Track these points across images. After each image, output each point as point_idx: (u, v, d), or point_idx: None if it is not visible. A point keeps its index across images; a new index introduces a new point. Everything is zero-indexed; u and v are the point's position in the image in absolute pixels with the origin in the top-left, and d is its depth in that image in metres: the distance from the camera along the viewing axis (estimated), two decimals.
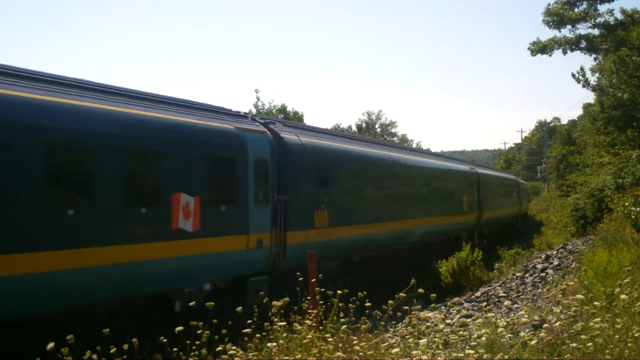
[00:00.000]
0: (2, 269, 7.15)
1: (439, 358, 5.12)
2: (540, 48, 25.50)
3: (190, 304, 6.02)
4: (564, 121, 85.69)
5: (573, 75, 28.53)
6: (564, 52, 25.21)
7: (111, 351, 5.03)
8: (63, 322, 7.98)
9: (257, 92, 39.43)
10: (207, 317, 5.38)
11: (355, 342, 5.45)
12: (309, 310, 6.26)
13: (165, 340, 5.30)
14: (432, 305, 6.21)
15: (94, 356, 4.95)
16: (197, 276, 10.12)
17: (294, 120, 35.83)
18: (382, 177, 17.92)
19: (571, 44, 25.08)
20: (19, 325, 7.83)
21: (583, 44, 25.03)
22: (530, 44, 25.86)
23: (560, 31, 25.03)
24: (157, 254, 9.14)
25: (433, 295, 6.18)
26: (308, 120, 49.45)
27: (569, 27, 24.78)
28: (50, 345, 4.64)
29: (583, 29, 24.88)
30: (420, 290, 6.22)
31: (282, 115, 38.00)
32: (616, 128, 27.62)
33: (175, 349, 5.27)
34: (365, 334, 5.77)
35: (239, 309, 6.05)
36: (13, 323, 7.69)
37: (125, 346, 5.15)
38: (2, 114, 7.47)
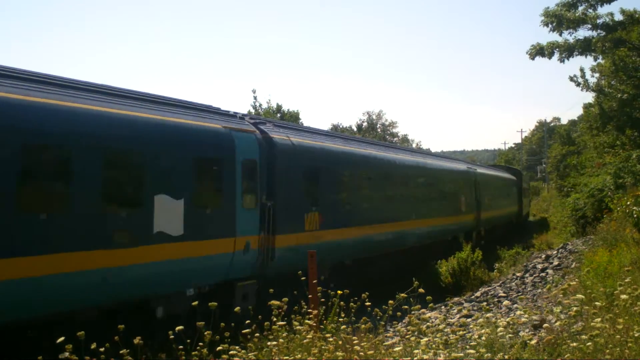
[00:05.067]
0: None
1: (440, 357, 5.12)
2: (539, 50, 25.47)
3: (193, 303, 6.01)
4: (564, 121, 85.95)
5: (571, 79, 28.53)
6: (562, 61, 25.11)
7: (121, 351, 5.02)
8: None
9: (254, 93, 39.60)
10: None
11: (355, 341, 5.45)
12: (309, 310, 6.26)
13: (172, 337, 5.29)
14: (430, 305, 6.21)
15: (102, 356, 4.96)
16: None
17: (289, 120, 35.90)
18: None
19: (569, 51, 24.95)
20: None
21: (580, 49, 24.90)
22: (530, 47, 25.80)
23: (560, 35, 24.98)
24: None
25: (429, 297, 6.16)
26: (307, 120, 49.55)
27: (569, 30, 24.72)
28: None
29: (583, 31, 24.84)
30: (421, 290, 6.22)
31: (279, 115, 38.06)
32: (615, 129, 27.62)
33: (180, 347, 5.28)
34: (366, 333, 5.78)
35: (237, 309, 6.05)
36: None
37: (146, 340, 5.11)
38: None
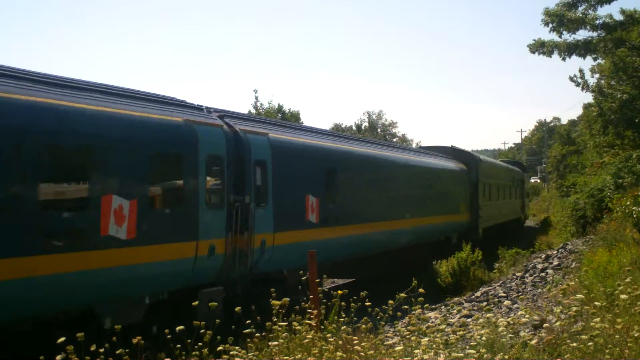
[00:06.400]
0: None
1: (440, 357, 5.13)
2: (540, 45, 25.49)
3: (195, 302, 6.01)
4: (564, 121, 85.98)
5: (571, 79, 28.55)
6: (562, 59, 25.12)
7: (117, 352, 5.05)
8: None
9: (255, 93, 39.83)
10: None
11: (355, 342, 5.46)
12: (310, 310, 6.26)
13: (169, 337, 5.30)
14: (426, 305, 6.21)
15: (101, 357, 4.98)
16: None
17: (291, 120, 35.99)
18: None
19: (569, 51, 24.97)
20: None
21: (581, 48, 24.93)
22: (532, 41, 25.84)
23: (560, 36, 25.01)
24: None
25: (421, 299, 6.14)
26: (307, 120, 49.56)
27: (569, 32, 24.74)
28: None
29: (583, 32, 24.86)
30: (421, 290, 6.23)
31: (280, 115, 38.18)
32: (614, 132, 27.60)
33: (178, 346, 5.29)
34: (366, 333, 5.78)
35: (238, 309, 6.06)
36: None
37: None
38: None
